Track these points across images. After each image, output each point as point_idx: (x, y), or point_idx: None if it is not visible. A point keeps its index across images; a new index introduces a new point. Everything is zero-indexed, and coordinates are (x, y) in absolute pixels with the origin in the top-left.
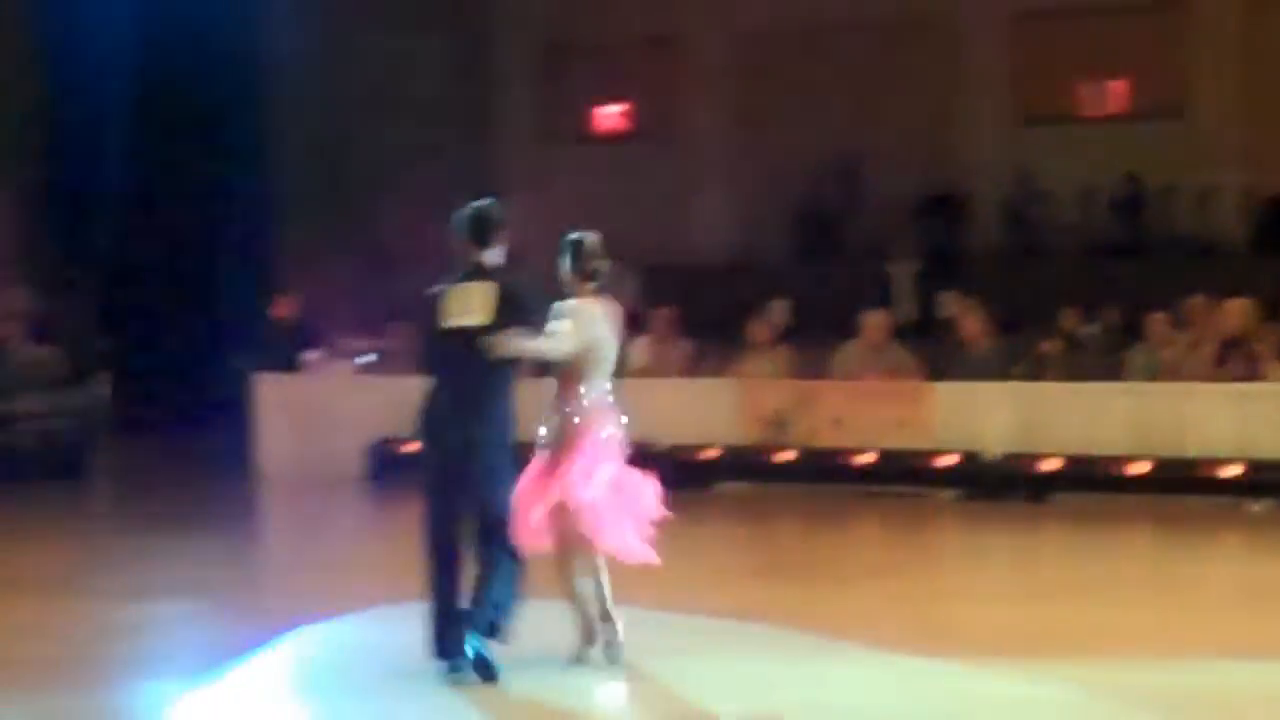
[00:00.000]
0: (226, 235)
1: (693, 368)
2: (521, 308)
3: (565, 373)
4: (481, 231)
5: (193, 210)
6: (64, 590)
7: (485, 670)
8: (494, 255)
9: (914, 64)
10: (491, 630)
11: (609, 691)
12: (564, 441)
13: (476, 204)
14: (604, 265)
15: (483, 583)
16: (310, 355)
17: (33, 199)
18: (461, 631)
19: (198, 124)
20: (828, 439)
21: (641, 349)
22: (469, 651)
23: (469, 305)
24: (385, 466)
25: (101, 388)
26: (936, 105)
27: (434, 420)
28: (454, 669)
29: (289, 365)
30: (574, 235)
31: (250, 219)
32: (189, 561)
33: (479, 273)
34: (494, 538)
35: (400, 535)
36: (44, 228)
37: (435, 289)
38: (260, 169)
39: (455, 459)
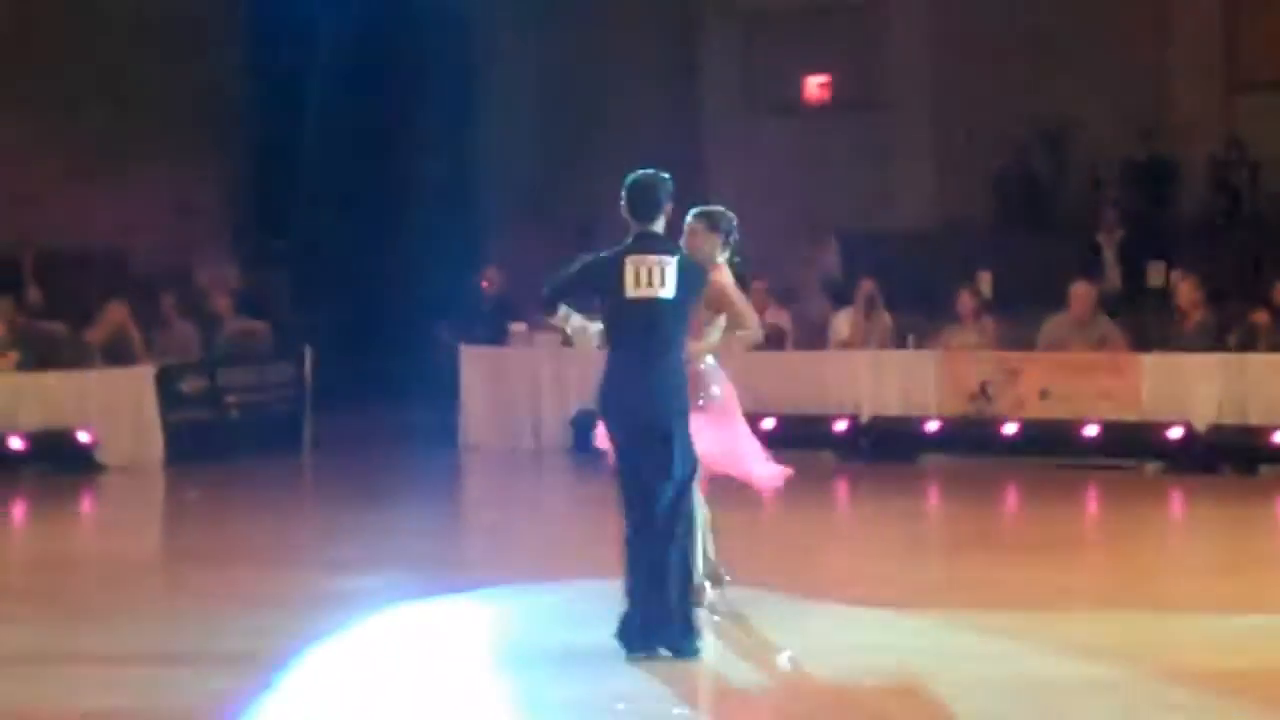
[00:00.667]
0: (432, 208)
1: (896, 340)
2: (698, 281)
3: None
4: (654, 203)
5: (399, 183)
6: (278, 561)
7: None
8: (659, 226)
9: (1122, 29)
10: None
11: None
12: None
13: (644, 174)
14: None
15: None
16: (517, 327)
17: (238, 176)
18: (653, 625)
19: (404, 96)
20: (1034, 411)
21: (844, 320)
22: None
23: (652, 277)
24: (591, 437)
25: (308, 362)
26: (1145, 71)
27: (621, 392)
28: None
29: (495, 337)
30: (715, 207)
31: (456, 191)
32: (399, 534)
33: (655, 244)
34: (680, 508)
35: (603, 509)
36: (250, 204)
37: (609, 256)
38: (466, 141)
39: (644, 432)
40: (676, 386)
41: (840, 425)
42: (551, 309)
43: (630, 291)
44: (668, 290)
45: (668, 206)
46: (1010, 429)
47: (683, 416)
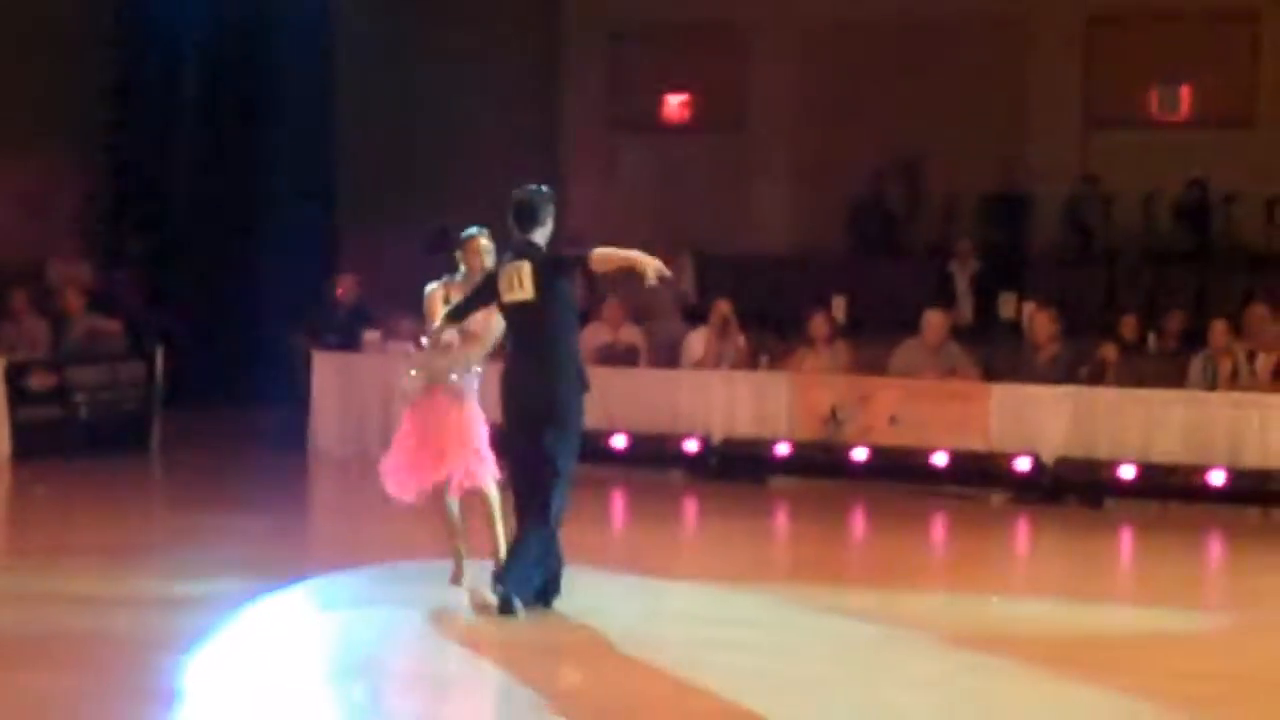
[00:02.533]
0: (287, 213)
1: (749, 361)
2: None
3: None
4: (525, 216)
5: (253, 187)
6: (120, 563)
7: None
8: (539, 237)
9: (982, 63)
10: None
11: None
12: None
13: (523, 189)
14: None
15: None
16: (370, 335)
17: (93, 173)
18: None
19: (260, 102)
20: (884, 437)
21: (698, 340)
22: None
23: (514, 282)
24: None
25: (158, 362)
26: (1002, 105)
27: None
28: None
29: (349, 344)
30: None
31: (312, 198)
32: (244, 536)
33: (524, 252)
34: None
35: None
36: (103, 201)
37: (494, 269)
38: (323, 148)
39: (530, 416)
40: (554, 380)
41: (691, 445)
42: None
43: (504, 296)
44: (527, 292)
45: (548, 220)
46: (859, 454)
47: (566, 407)
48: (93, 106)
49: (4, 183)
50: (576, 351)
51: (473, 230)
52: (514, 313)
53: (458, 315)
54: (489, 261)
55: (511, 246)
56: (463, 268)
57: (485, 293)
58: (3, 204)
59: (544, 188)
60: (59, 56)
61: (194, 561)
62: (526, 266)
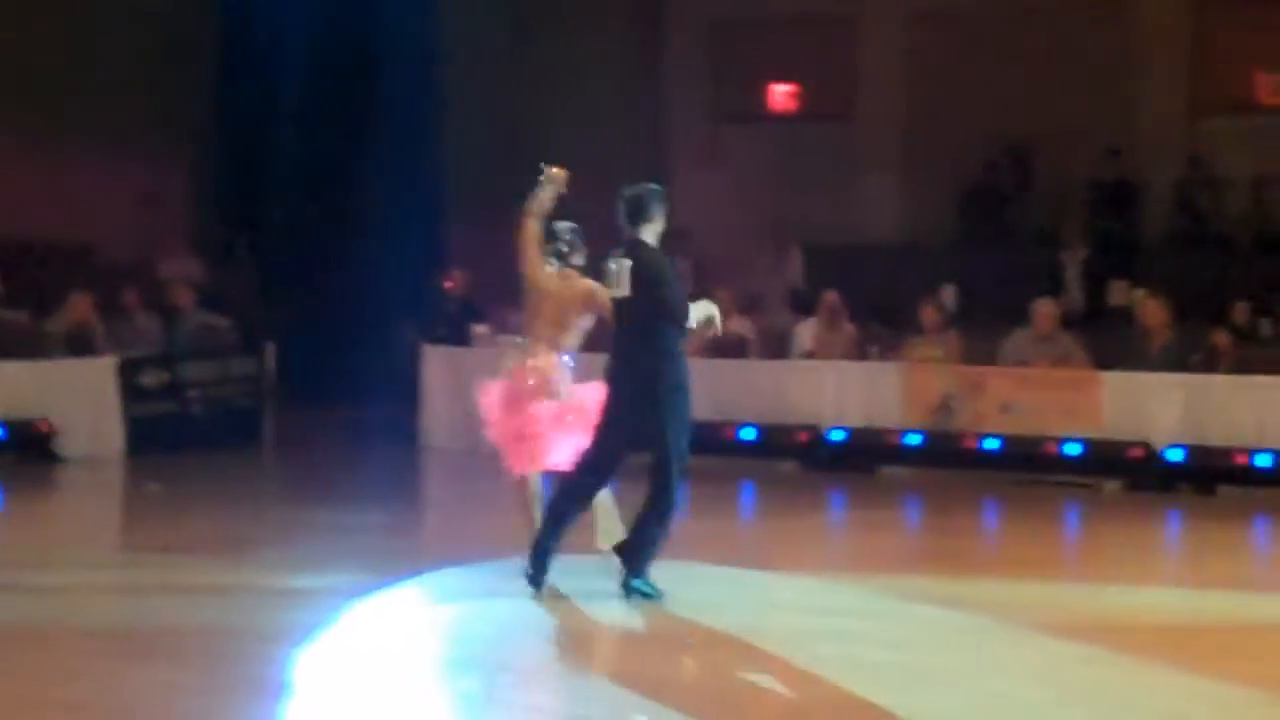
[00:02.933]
0: (396, 208)
1: (859, 351)
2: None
3: None
4: (632, 212)
5: (363, 182)
6: (232, 557)
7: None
8: (646, 233)
9: (1089, 48)
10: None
11: None
12: None
13: (632, 186)
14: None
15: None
16: (479, 328)
17: (204, 169)
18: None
19: (370, 97)
20: (994, 426)
21: (808, 331)
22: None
23: (621, 279)
24: None
25: (269, 357)
26: (1111, 91)
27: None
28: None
29: (458, 338)
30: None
31: (421, 192)
32: (355, 531)
33: (630, 251)
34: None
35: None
36: (214, 197)
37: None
38: (432, 142)
39: (626, 408)
40: (654, 373)
41: (802, 436)
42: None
43: (612, 292)
44: (624, 289)
45: (658, 216)
46: (971, 443)
47: (660, 401)
48: (201, 103)
49: (115, 181)
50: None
51: (557, 225)
52: (617, 308)
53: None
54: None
55: (622, 243)
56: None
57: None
58: (114, 202)
59: (654, 184)
60: (167, 55)
61: (306, 556)
62: (627, 265)
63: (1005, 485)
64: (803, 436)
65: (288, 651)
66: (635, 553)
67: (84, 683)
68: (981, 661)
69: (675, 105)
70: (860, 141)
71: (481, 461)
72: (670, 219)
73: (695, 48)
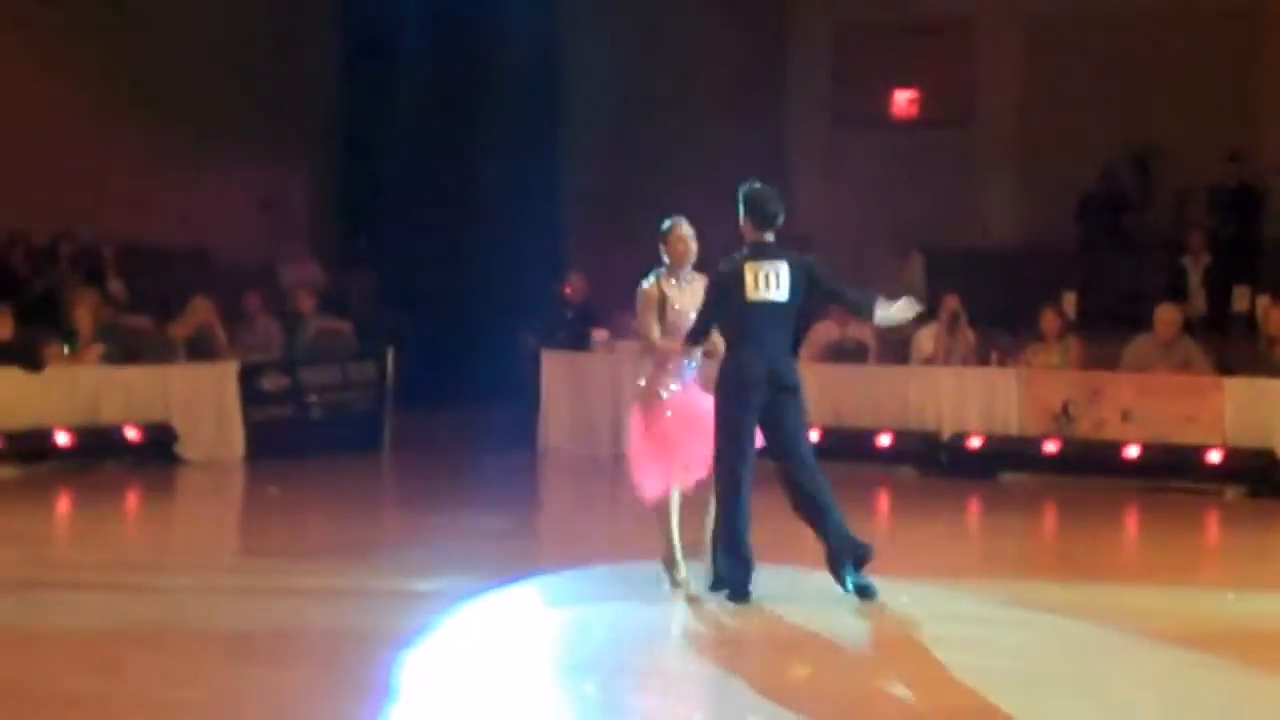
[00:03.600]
0: (516, 212)
1: (979, 357)
2: (816, 282)
3: None
4: (772, 214)
5: (484, 186)
6: (351, 561)
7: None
8: (772, 235)
9: (1210, 51)
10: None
11: None
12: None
13: (761, 186)
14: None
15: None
16: (599, 334)
17: (324, 174)
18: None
19: (487, 100)
20: (1115, 432)
21: (928, 336)
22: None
23: (769, 281)
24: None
25: (389, 362)
26: (1232, 94)
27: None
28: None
29: (577, 343)
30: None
31: (542, 196)
32: (475, 536)
33: (769, 251)
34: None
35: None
36: (334, 202)
37: (729, 267)
38: (550, 146)
39: (763, 411)
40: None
41: (921, 441)
42: (699, 340)
43: (751, 295)
44: (782, 293)
45: (780, 218)
46: (1093, 450)
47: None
48: (320, 108)
49: (235, 185)
50: None
51: (670, 220)
52: (760, 309)
53: (698, 338)
54: (693, 248)
55: (752, 245)
56: (666, 259)
57: (719, 305)
58: (235, 206)
59: (769, 184)
60: (285, 59)
61: (425, 559)
62: (784, 267)
63: (1126, 492)
64: (923, 442)
65: (402, 654)
66: None
67: (198, 684)
68: (1099, 668)
69: (796, 110)
70: (979, 147)
71: (600, 466)
72: (787, 223)
73: (817, 53)
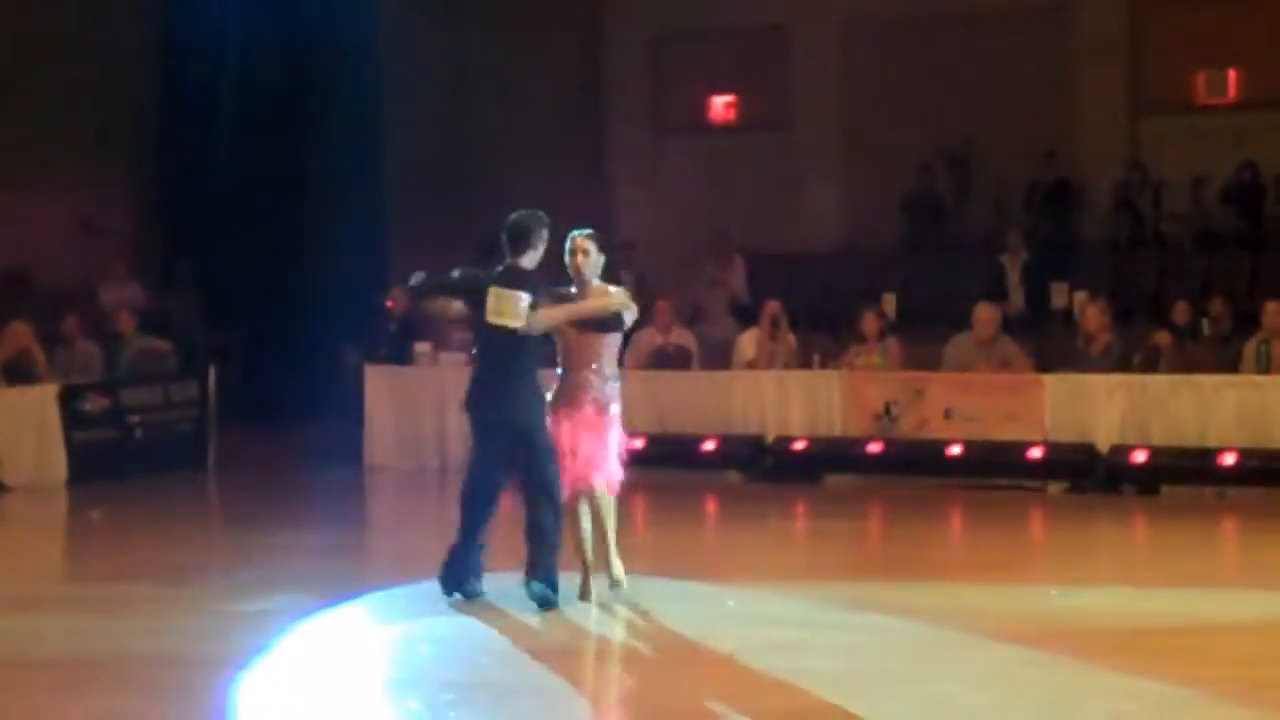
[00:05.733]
0: (336, 227)
1: (801, 360)
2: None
3: None
4: (517, 239)
5: (302, 202)
6: (179, 583)
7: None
8: (528, 261)
9: (1026, 51)
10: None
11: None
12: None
13: (521, 213)
14: None
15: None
16: (421, 347)
17: (144, 194)
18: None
19: (308, 117)
20: (937, 432)
21: (749, 341)
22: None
23: (505, 308)
24: None
25: (211, 380)
26: (1048, 93)
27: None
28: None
29: (400, 357)
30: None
31: (361, 210)
32: (302, 553)
33: (516, 279)
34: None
35: (507, 525)
36: (154, 222)
37: (483, 278)
38: (371, 161)
39: (495, 430)
40: (528, 400)
41: (745, 445)
42: (420, 298)
43: (489, 317)
44: (519, 321)
45: (539, 244)
46: (915, 450)
47: (537, 427)
48: (139, 128)
49: (53, 207)
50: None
51: (576, 232)
52: (494, 333)
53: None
54: (592, 262)
55: (505, 268)
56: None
57: (466, 289)
58: (53, 228)
59: (539, 212)
60: (104, 79)
61: (253, 580)
62: (524, 299)
63: (951, 490)
64: (747, 447)
65: (233, 676)
66: None
67: (23, 715)
68: (924, 667)
69: (616, 118)
70: (799, 150)
71: (425, 479)
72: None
73: (635, 61)
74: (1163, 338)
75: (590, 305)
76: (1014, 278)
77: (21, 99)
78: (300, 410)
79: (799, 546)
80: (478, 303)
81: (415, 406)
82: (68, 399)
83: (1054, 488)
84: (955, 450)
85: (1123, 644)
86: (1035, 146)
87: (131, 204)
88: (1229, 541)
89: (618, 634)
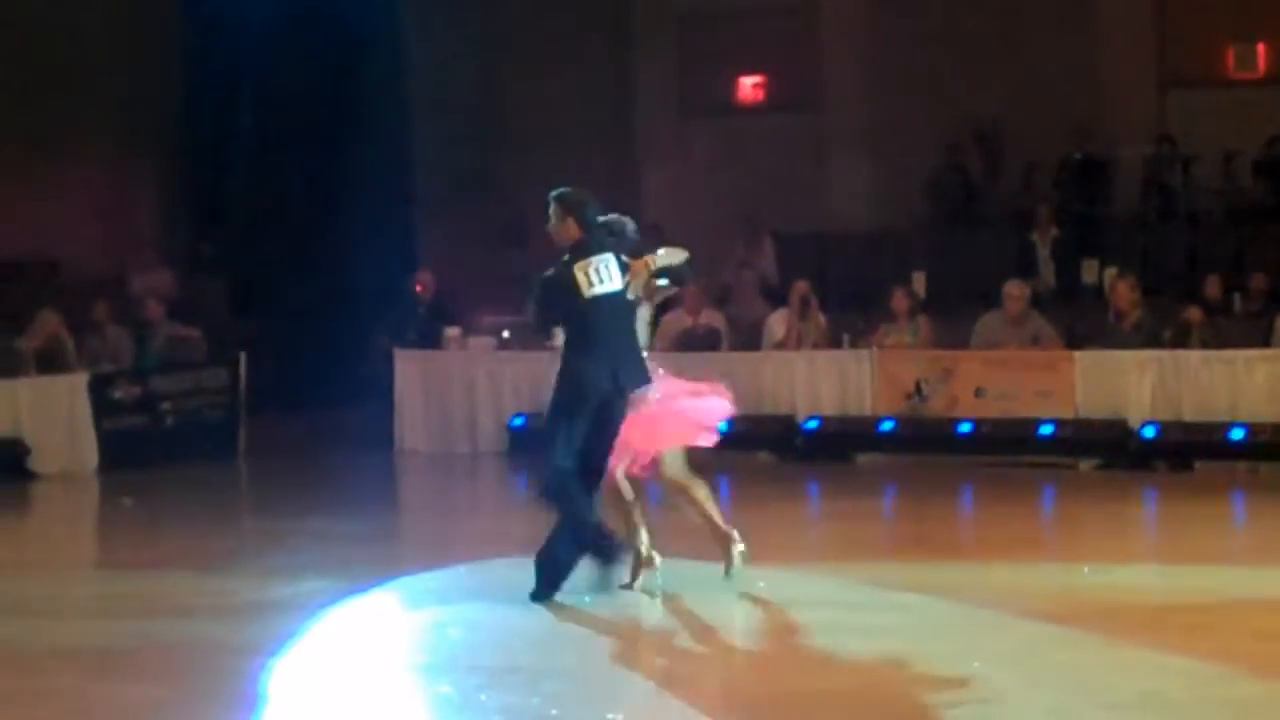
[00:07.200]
0: (365, 212)
1: (831, 340)
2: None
3: None
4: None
5: (333, 188)
6: (209, 570)
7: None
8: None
9: (1054, 26)
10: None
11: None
12: None
13: (565, 190)
14: None
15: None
16: (451, 331)
17: (171, 181)
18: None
19: (337, 102)
20: (968, 410)
21: (779, 321)
22: None
23: (605, 274)
24: (524, 442)
25: (241, 367)
26: (1077, 68)
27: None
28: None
29: (430, 341)
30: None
31: (389, 195)
32: (333, 539)
33: (594, 247)
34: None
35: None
36: (182, 209)
37: (556, 272)
38: (401, 146)
39: (610, 406)
40: (640, 365)
41: (776, 426)
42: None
43: (586, 291)
44: (616, 283)
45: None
46: (946, 428)
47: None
48: (166, 115)
49: (84, 195)
50: None
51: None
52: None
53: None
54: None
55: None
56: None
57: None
58: (83, 216)
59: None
60: (129, 67)
61: (282, 566)
62: (611, 259)
63: (981, 469)
64: (778, 427)
65: (263, 662)
66: None
67: (54, 703)
68: (955, 646)
69: (643, 99)
70: (827, 130)
71: (457, 464)
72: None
73: (662, 42)
74: (1194, 313)
75: (672, 253)
76: (1044, 254)
77: (47, 87)
78: (331, 397)
79: (830, 527)
80: (568, 295)
81: (446, 391)
82: (98, 387)
83: (1085, 465)
84: (985, 428)
85: (1154, 621)
86: (1064, 123)
87: (159, 192)
88: (1260, 517)
89: (648, 617)
